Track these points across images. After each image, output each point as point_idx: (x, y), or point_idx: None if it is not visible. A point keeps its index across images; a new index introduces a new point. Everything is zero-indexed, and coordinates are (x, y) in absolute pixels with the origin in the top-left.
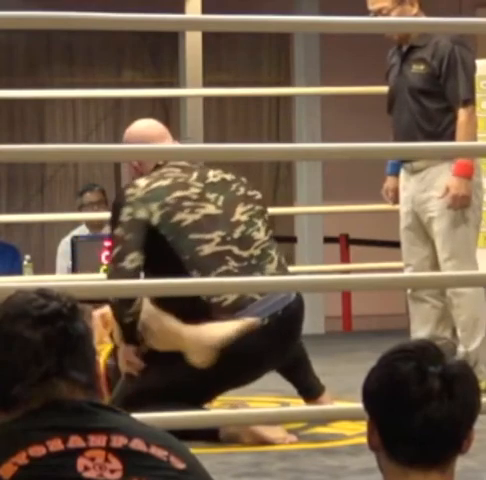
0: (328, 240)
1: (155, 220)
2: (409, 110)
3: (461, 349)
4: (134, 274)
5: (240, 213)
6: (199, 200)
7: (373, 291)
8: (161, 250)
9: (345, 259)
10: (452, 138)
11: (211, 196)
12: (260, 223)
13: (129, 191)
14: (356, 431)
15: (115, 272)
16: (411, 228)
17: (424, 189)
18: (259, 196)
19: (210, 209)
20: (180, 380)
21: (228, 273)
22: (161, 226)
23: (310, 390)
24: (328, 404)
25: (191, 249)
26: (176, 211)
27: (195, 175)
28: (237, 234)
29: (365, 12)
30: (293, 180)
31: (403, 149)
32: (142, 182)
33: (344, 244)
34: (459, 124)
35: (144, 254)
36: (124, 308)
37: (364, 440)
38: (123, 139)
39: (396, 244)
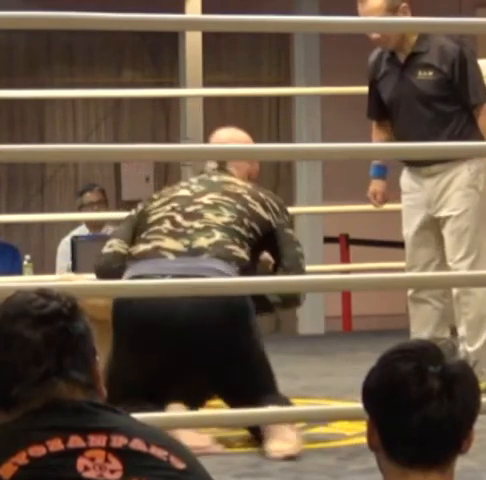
0: (328, 240)
1: (135, 213)
2: (422, 118)
3: (462, 348)
4: (109, 257)
5: (208, 198)
6: (181, 188)
7: (373, 291)
8: (134, 237)
9: (345, 259)
10: (468, 139)
11: (195, 186)
12: (226, 213)
13: None
14: (356, 431)
15: (97, 257)
16: (420, 231)
17: (442, 190)
18: (258, 209)
19: (182, 192)
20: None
21: (156, 232)
22: (138, 215)
23: None
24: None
25: (144, 218)
26: (153, 201)
27: (205, 176)
28: (190, 209)
29: None
30: (293, 180)
31: (403, 149)
32: None
33: (344, 244)
34: (483, 125)
35: (127, 244)
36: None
37: (364, 440)
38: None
39: (396, 244)
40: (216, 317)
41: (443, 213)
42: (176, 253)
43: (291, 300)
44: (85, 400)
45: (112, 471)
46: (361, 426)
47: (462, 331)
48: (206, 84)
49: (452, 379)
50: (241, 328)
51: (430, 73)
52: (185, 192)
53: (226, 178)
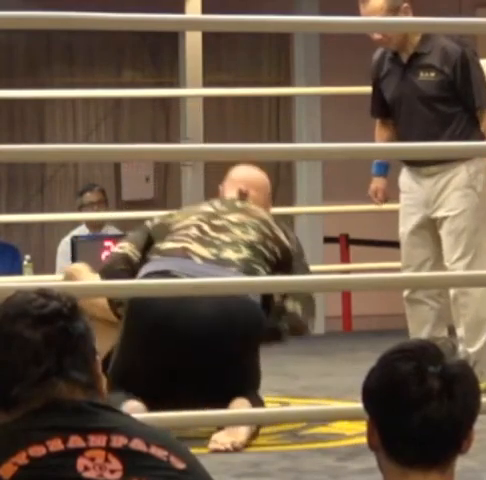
0: (328, 240)
1: (152, 225)
2: (423, 118)
3: (461, 349)
4: (117, 258)
5: (234, 217)
6: (202, 206)
7: (373, 291)
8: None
9: (345, 259)
10: (468, 140)
11: (218, 205)
12: (252, 232)
13: None
14: (356, 431)
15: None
16: (416, 230)
17: (440, 190)
18: (281, 235)
19: (206, 208)
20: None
21: (183, 235)
22: (155, 227)
23: None
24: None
25: (166, 228)
26: (176, 216)
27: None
28: (217, 222)
29: None
30: (293, 180)
31: (403, 149)
32: None
33: (344, 244)
34: (485, 129)
35: (137, 250)
36: None
37: (364, 440)
38: (255, 190)
39: (396, 244)
40: (235, 324)
41: (440, 213)
42: (204, 259)
43: (301, 327)
44: (85, 400)
45: (112, 471)
46: (361, 426)
47: (461, 332)
48: (206, 84)
49: (452, 379)
50: (252, 337)
51: (432, 74)
52: (208, 208)
53: (248, 205)
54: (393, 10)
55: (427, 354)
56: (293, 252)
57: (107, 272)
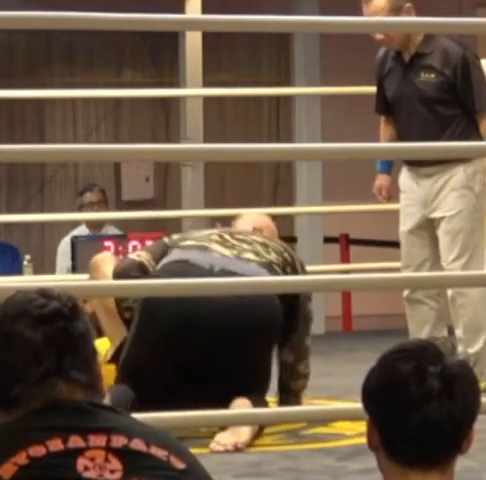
0: (328, 240)
1: (170, 241)
2: (423, 119)
3: (460, 349)
4: (133, 264)
5: (258, 237)
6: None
7: (373, 291)
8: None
9: (345, 259)
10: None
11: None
12: (273, 254)
13: None
14: (356, 431)
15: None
16: (415, 230)
17: (437, 191)
18: (298, 267)
19: (226, 236)
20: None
21: (203, 238)
22: (172, 242)
23: None
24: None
25: (184, 240)
26: (193, 234)
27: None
28: (240, 236)
29: None
30: (293, 180)
31: (403, 149)
32: None
33: (344, 244)
34: (484, 131)
35: (153, 261)
36: None
37: (364, 440)
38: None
39: (396, 244)
40: (250, 325)
41: (438, 214)
42: (223, 256)
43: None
44: (85, 400)
45: (112, 471)
46: (361, 426)
47: (459, 333)
48: (206, 84)
49: (452, 379)
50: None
51: (432, 75)
52: (228, 237)
53: (268, 237)
54: (395, 10)
55: (427, 354)
56: (302, 295)
57: (120, 275)
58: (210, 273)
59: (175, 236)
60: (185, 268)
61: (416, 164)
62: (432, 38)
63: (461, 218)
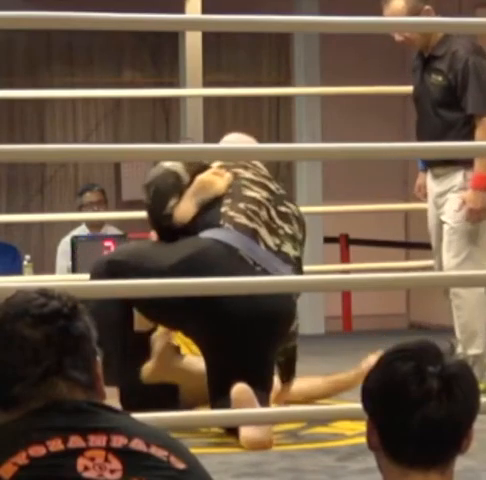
0: (328, 240)
1: (214, 163)
2: (430, 121)
3: (459, 350)
4: (169, 173)
5: (294, 208)
6: (264, 176)
7: (373, 291)
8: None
9: (345, 259)
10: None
11: (275, 184)
12: (301, 233)
13: None
14: (356, 431)
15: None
16: (433, 227)
17: (442, 192)
18: (304, 238)
19: (269, 185)
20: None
21: (255, 213)
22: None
23: None
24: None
25: (237, 187)
26: (237, 167)
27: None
28: (282, 208)
29: (365, 12)
30: (293, 180)
31: (404, 149)
32: None
33: (344, 244)
34: (476, 136)
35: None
36: None
37: (364, 440)
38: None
39: (396, 244)
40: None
41: (442, 212)
42: (268, 247)
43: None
44: (85, 400)
45: (112, 471)
46: (361, 426)
47: (457, 334)
48: (206, 84)
49: (451, 379)
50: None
51: (440, 78)
52: (271, 185)
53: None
54: (414, 12)
55: (426, 354)
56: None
57: (157, 183)
58: (252, 271)
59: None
60: (233, 262)
61: (429, 165)
62: (445, 42)
63: (459, 219)
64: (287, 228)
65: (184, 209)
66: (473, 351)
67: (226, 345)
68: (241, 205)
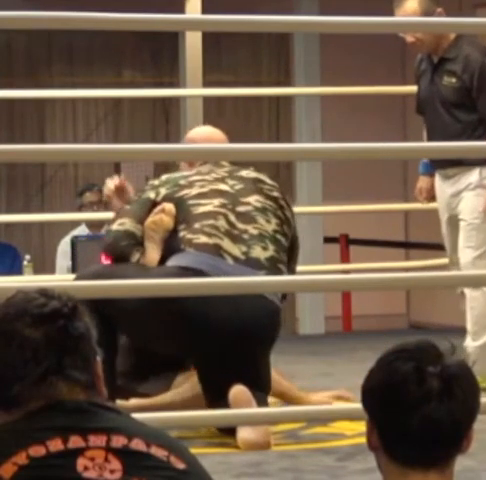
0: (328, 240)
1: (159, 197)
2: (443, 122)
3: (466, 342)
4: (119, 235)
5: (255, 200)
6: (215, 181)
7: (373, 291)
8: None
9: (345, 259)
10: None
11: (230, 181)
12: (273, 220)
13: (149, 181)
14: (356, 431)
15: (106, 234)
16: (447, 229)
17: (457, 191)
18: (289, 214)
19: (222, 187)
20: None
21: (213, 227)
22: (164, 200)
23: None
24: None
25: (187, 209)
26: (184, 188)
27: (226, 169)
28: (241, 209)
29: (365, 12)
30: (293, 180)
31: (404, 149)
32: (164, 175)
33: (344, 244)
34: None
35: (140, 224)
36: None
37: (364, 440)
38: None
39: (396, 244)
40: (255, 326)
41: (457, 212)
42: (235, 259)
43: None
44: (85, 400)
45: (112, 471)
46: (361, 426)
47: (469, 325)
48: (206, 84)
49: (451, 379)
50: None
51: (453, 80)
52: (224, 187)
53: (254, 174)
54: (427, 14)
55: (426, 354)
56: (295, 229)
57: (110, 249)
58: None
59: (163, 191)
60: None
61: (439, 166)
62: (456, 44)
63: (477, 215)
64: (251, 229)
65: (150, 258)
66: (480, 342)
67: (219, 358)
68: (196, 225)
